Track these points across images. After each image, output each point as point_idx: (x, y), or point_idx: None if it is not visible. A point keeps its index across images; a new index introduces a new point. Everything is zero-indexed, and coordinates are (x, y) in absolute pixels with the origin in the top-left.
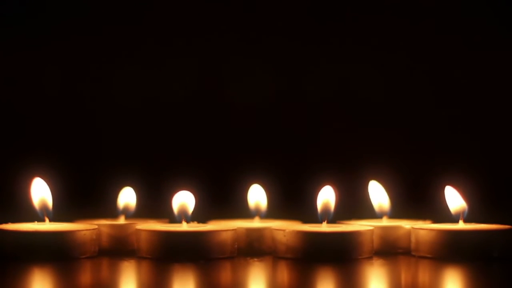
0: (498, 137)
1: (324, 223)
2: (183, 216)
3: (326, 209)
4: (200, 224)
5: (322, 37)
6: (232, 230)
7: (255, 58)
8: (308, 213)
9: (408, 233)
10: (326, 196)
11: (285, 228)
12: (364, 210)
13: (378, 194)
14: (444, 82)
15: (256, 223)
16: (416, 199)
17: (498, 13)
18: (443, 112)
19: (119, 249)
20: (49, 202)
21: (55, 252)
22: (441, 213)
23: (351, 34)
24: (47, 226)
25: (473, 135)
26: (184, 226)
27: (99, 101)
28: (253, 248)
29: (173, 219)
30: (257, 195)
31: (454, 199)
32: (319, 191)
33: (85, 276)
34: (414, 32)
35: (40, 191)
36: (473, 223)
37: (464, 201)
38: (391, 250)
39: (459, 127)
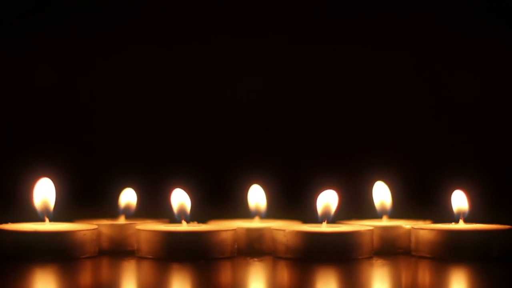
0: (498, 137)
1: (324, 223)
2: (183, 216)
3: (326, 212)
4: (200, 224)
5: (323, 38)
6: (232, 230)
7: (255, 58)
8: (308, 213)
9: (408, 233)
10: (327, 200)
11: (285, 228)
12: (365, 210)
13: (381, 193)
14: (445, 84)
15: (256, 223)
16: (416, 200)
17: (497, 11)
18: (444, 114)
19: (119, 249)
20: (51, 203)
21: (55, 252)
22: (441, 214)
23: (352, 36)
24: (47, 226)
25: (474, 136)
26: (184, 226)
27: (100, 102)
28: (253, 248)
29: (173, 219)
30: (257, 195)
31: (459, 200)
32: (319, 191)
33: (85, 276)
34: (419, 35)
35: (43, 192)
36: (473, 223)
37: (467, 203)
38: (391, 250)
39: (460, 128)
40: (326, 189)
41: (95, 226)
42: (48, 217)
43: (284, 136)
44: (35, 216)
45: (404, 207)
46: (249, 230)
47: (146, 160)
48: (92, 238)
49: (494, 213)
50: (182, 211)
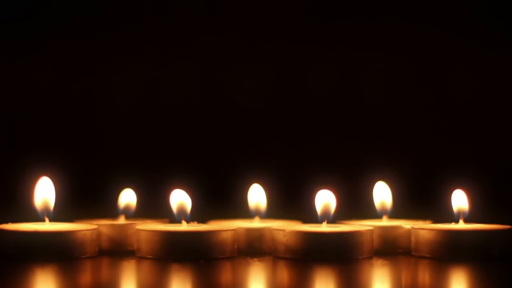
0: (498, 137)
1: (324, 223)
2: (183, 216)
3: (325, 212)
4: (200, 224)
5: (323, 38)
6: (232, 230)
7: (255, 58)
8: (308, 213)
9: (408, 233)
10: (326, 199)
11: (285, 228)
12: (365, 210)
13: (381, 193)
14: (445, 84)
15: (256, 223)
16: (416, 200)
17: (498, 13)
18: (444, 114)
19: (119, 249)
20: (51, 203)
21: (55, 252)
22: (441, 214)
23: (352, 36)
24: (47, 226)
25: (474, 136)
26: (184, 226)
27: (100, 102)
28: (253, 248)
29: (173, 219)
30: (257, 195)
31: (459, 200)
32: (319, 191)
33: (85, 276)
34: (419, 35)
35: (43, 192)
36: (473, 223)
37: (467, 203)
38: (391, 250)
39: (460, 128)
40: (324, 189)
41: (95, 226)
42: (48, 217)
43: (284, 136)
44: (35, 216)
45: (404, 207)
46: (249, 230)
47: (146, 160)
48: (92, 238)
49: (494, 213)
50: (182, 211)
